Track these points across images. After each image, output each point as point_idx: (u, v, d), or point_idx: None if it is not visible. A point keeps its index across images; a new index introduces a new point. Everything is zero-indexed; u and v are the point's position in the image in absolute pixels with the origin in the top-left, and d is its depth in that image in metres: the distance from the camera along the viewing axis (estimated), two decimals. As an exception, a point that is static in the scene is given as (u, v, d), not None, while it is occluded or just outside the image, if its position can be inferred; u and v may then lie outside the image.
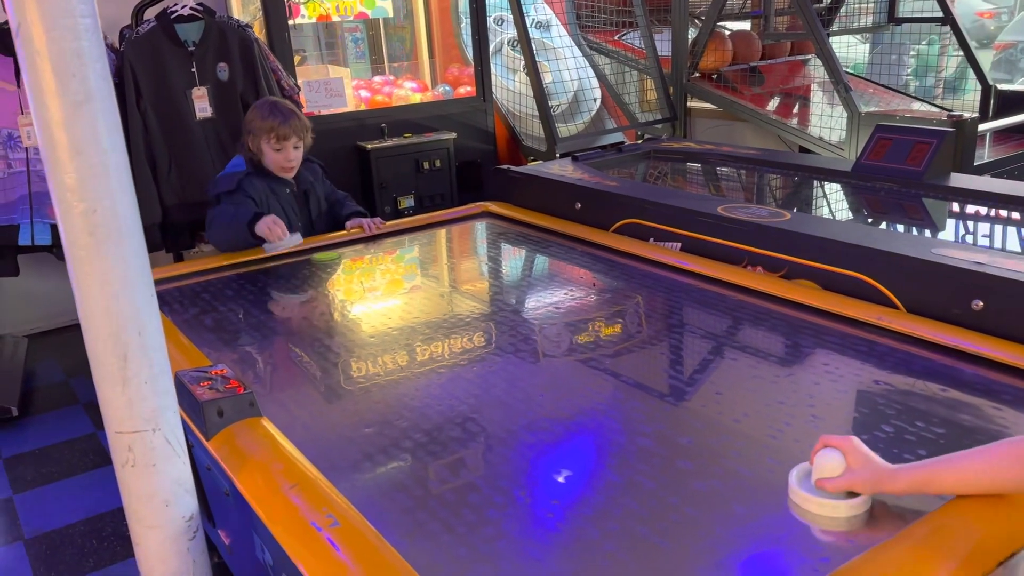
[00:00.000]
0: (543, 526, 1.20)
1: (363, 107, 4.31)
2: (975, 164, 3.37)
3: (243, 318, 2.19)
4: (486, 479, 1.33)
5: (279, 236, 2.53)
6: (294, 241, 2.58)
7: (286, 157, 2.70)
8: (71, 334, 3.96)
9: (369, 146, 4.06)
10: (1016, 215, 2.40)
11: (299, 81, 3.84)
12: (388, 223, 2.90)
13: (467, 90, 4.59)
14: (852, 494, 1.16)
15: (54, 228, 3.35)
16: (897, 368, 1.65)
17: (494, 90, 4.61)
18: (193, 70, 3.42)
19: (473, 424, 1.51)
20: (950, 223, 2.51)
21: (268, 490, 1.26)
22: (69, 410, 3.40)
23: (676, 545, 1.14)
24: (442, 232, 2.94)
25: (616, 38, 5.06)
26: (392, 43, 4.95)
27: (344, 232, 2.80)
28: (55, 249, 3.45)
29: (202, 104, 3.43)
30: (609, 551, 1.13)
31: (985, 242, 2.25)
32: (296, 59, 4.21)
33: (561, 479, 1.34)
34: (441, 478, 1.34)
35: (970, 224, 2.46)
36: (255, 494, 1.27)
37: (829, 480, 1.16)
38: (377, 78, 4.63)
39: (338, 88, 4.02)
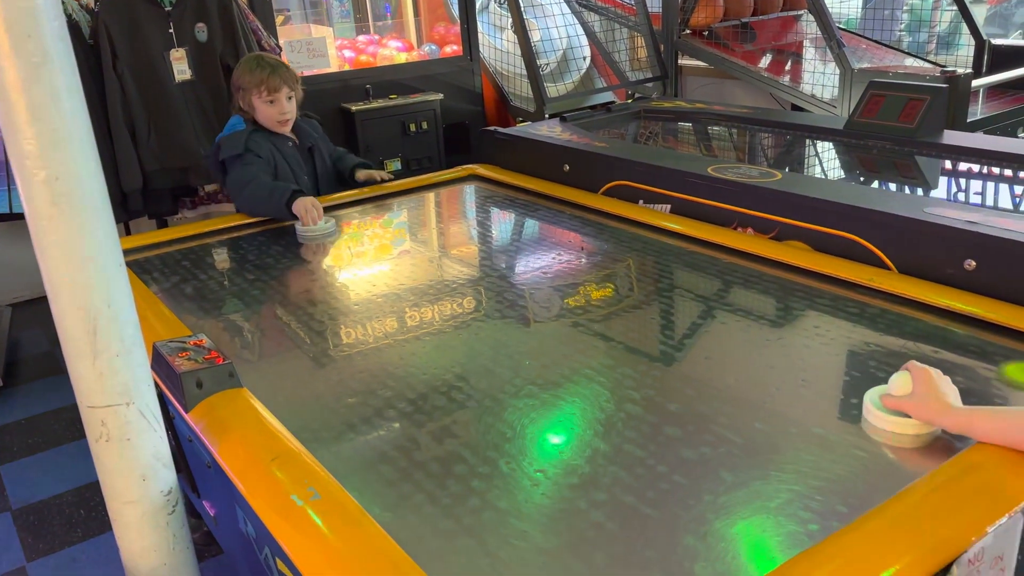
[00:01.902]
0: (529, 497, 1.18)
1: (347, 67, 4.23)
2: (968, 121, 3.33)
3: (225, 286, 2.15)
4: (471, 449, 1.31)
5: (314, 220, 2.39)
6: (328, 229, 2.42)
7: (280, 110, 2.61)
8: (55, 303, 3.90)
9: (353, 108, 3.99)
10: (1009, 172, 2.36)
11: (280, 41, 3.75)
12: (370, 187, 2.84)
13: (453, 49, 4.51)
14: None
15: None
16: (889, 330, 1.63)
17: (481, 49, 4.52)
18: (171, 31, 3.33)
19: (458, 392, 1.49)
20: (943, 181, 2.47)
21: (249, 462, 1.23)
22: (55, 380, 3.37)
23: (665, 514, 1.12)
24: (428, 196, 2.89)
25: (605, -6, 4.95)
26: (377, 1, 4.84)
27: (356, 192, 2.77)
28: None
29: (181, 66, 3.35)
30: (597, 521, 1.12)
31: (978, 200, 2.21)
32: (279, 19, 4.11)
33: (548, 448, 1.32)
34: (425, 448, 1.32)
35: (963, 182, 2.42)
36: (235, 466, 1.24)
37: (890, 398, 1.25)
38: (361, 37, 4.53)
39: (321, 48, 3.93)
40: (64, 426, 3.01)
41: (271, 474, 1.19)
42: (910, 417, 1.22)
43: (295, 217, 2.44)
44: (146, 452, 1.19)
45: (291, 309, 1.98)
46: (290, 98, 2.63)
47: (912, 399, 1.21)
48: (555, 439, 1.34)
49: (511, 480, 1.22)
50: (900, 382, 1.24)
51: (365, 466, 1.29)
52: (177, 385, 1.39)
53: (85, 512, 2.52)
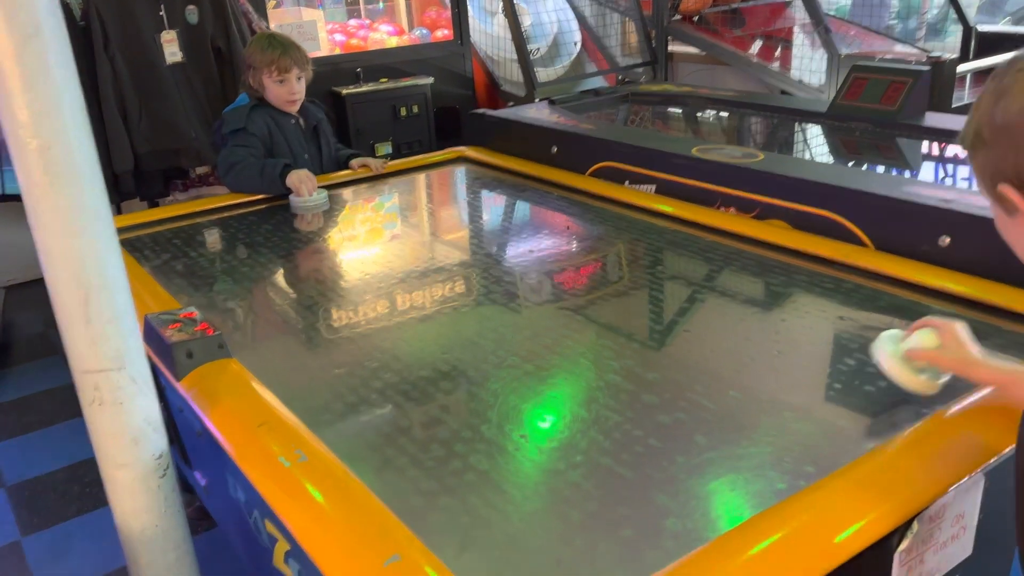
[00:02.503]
0: (510, 459, 1.22)
1: (338, 51, 4.24)
2: (954, 105, 3.37)
3: (216, 265, 2.18)
4: (455, 415, 1.35)
5: (309, 191, 2.46)
6: (320, 200, 2.49)
7: (290, 90, 2.65)
8: (48, 285, 3.92)
9: (344, 91, 4.00)
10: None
11: (271, 24, 3.76)
12: (360, 169, 2.88)
13: (444, 33, 4.52)
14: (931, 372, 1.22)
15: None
16: (863, 304, 1.67)
17: (472, 33, 4.54)
18: (161, 13, 3.34)
19: (444, 363, 1.52)
20: (922, 162, 2.51)
21: (237, 428, 1.27)
22: (49, 360, 3.40)
23: (639, 474, 1.16)
24: (417, 178, 2.92)
25: (596, -21, 4.97)
26: (368, -14, 4.84)
27: (351, 171, 2.80)
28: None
29: (172, 48, 3.36)
30: (574, 482, 1.16)
31: (954, 180, 2.26)
32: (271, 3, 4.12)
33: (529, 415, 1.35)
34: (410, 415, 1.36)
35: (941, 163, 2.46)
36: (225, 432, 1.28)
37: (920, 352, 1.21)
38: (352, 21, 4.54)
39: (311, 31, 3.95)
40: (58, 405, 3.04)
41: (259, 438, 1.22)
42: (929, 377, 1.22)
43: (288, 190, 2.49)
44: (137, 416, 1.23)
45: (281, 288, 2.01)
46: (300, 78, 2.66)
47: (945, 352, 1.19)
48: (536, 407, 1.38)
49: (493, 444, 1.26)
50: (924, 337, 1.22)
51: (351, 432, 1.33)
52: (168, 356, 1.43)
53: (79, 488, 2.55)
